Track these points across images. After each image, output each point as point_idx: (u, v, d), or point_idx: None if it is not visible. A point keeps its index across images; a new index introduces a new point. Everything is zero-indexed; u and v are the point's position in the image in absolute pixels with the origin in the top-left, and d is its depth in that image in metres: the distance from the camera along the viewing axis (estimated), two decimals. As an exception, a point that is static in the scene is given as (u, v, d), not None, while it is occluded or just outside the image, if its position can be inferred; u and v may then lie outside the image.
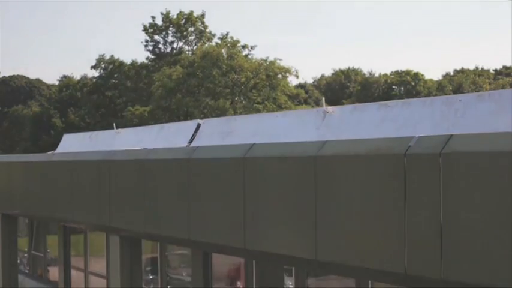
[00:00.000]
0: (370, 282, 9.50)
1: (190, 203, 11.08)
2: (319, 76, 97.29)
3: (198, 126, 14.40)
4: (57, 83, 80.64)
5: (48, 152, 20.29)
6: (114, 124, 19.10)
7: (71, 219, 15.94)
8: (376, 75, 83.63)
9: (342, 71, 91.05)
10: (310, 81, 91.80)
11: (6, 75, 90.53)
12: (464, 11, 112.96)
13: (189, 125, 14.57)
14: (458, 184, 7.13)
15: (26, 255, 21.68)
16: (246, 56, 55.04)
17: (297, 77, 63.69)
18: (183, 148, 12.04)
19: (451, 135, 7.46)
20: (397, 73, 76.30)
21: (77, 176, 15.13)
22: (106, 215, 13.83)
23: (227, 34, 57.81)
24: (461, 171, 7.11)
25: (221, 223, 10.39)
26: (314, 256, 8.68)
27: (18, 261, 21.26)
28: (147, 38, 62.69)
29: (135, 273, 14.05)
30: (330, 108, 11.59)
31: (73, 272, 18.10)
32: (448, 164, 7.21)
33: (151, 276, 14.42)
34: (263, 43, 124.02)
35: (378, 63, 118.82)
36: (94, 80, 69.73)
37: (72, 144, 18.71)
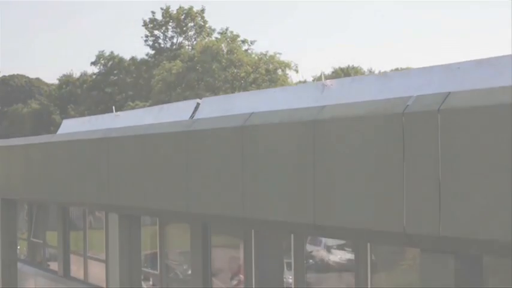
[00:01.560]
0: (369, 255, 9.43)
1: (189, 175, 11.08)
2: (318, 74, 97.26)
3: (197, 105, 14.37)
4: (57, 82, 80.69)
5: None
6: (114, 107, 19.08)
7: (70, 200, 15.94)
8: (376, 72, 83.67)
9: (341, 69, 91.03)
10: (310, 79, 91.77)
11: (6, 74, 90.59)
12: (464, 11, 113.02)
13: (188, 104, 14.55)
14: (457, 140, 7.13)
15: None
16: (246, 51, 55.05)
17: (297, 71, 63.71)
18: (182, 121, 12.04)
19: (449, 93, 7.47)
20: (397, 71, 76.32)
21: (76, 155, 15.13)
22: (105, 193, 13.84)
23: (227, 29, 57.84)
24: (460, 127, 7.11)
25: (220, 193, 10.40)
26: (313, 220, 8.68)
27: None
28: (147, 33, 62.73)
29: (134, 251, 14.05)
30: (328, 82, 11.56)
31: (72, 258, 18.08)
32: (447, 120, 7.22)
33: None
34: (263, 40, 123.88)
35: (377, 61, 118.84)
36: (94, 77, 69.76)
37: (72, 128, 18.71)
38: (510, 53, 8.78)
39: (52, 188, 16.46)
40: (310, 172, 8.74)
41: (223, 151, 10.32)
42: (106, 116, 17.97)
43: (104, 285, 15.63)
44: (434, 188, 7.29)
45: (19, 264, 21.09)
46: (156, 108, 16.11)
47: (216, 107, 13.88)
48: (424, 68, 10.17)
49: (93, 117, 19.18)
